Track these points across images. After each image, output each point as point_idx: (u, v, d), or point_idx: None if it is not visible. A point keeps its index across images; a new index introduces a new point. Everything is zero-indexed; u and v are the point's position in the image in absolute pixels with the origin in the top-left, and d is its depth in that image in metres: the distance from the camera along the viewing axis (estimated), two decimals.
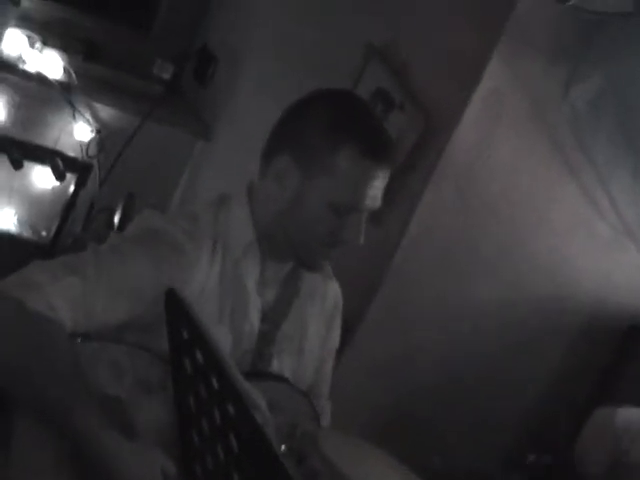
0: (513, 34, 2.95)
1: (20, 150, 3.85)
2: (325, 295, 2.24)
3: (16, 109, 4.18)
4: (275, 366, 2.08)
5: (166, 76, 4.45)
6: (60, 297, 1.78)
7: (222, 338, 1.95)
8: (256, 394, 1.53)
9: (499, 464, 3.40)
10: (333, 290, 2.28)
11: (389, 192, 2.03)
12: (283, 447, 1.62)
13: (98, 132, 4.27)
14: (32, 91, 4.17)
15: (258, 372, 2.02)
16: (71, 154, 4.06)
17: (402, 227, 3.12)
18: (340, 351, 2.35)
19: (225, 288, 2.00)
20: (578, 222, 3.25)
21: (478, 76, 2.99)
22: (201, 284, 1.95)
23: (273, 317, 2.10)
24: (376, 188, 1.96)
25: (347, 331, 2.51)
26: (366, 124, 1.99)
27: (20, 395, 1.74)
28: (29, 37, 4.18)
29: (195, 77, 4.51)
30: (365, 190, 1.94)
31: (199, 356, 1.42)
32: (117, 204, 4.05)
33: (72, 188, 3.89)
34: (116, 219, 4.00)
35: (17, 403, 1.80)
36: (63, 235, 3.85)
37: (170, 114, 4.42)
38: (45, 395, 1.66)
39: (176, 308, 1.48)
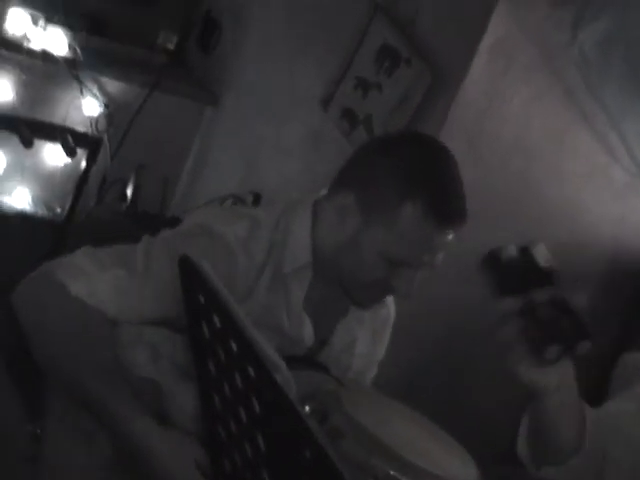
0: None
1: (30, 129, 3.84)
2: (374, 316, 2.20)
3: (23, 88, 4.17)
4: None
5: (170, 46, 4.44)
6: (105, 287, 1.78)
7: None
8: (276, 355, 1.53)
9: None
10: (385, 312, 2.24)
11: None
12: (307, 408, 1.62)
13: (106, 106, 4.26)
14: (38, 69, 4.15)
15: (300, 357, 1.99)
16: (81, 130, 4.05)
17: None
18: None
19: (270, 298, 1.97)
20: (592, 168, 3.23)
21: (483, 26, 2.97)
22: (245, 293, 1.92)
23: (318, 334, 2.08)
24: (435, 251, 1.92)
25: None
26: (438, 186, 1.92)
27: (56, 377, 1.76)
28: (32, 15, 4.16)
29: (199, 45, 4.50)
30: (422, 251, 1.91)
31: (216, 320, 1.41)
32: (129, 176, 4.05)
33: (83, 163, 3.88)
34: (128, 191, 4.01)
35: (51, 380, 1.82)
36: (77, 211, 3.85)
37: (176, 83, 4.41)
38: (80, 382, 1.68)
39: (191, 274, 1.47)
